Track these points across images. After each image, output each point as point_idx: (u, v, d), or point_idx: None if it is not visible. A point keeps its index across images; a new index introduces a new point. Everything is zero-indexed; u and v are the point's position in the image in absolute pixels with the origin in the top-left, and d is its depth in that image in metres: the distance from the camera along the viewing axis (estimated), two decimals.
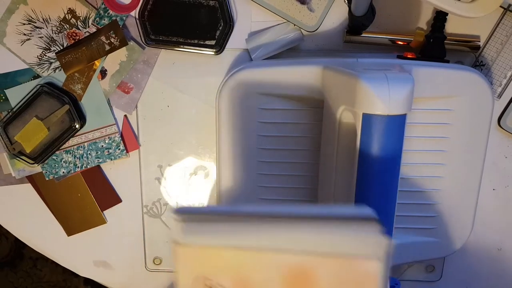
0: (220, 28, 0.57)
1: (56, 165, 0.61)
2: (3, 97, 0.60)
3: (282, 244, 0.29)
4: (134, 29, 0.58)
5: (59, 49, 0.58)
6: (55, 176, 0.62)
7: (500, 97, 0.58)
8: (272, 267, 0.29)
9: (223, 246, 0.29)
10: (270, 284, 0.30)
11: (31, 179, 0.63)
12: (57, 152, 0.61)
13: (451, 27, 0.57)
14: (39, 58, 0.59)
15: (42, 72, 0.59)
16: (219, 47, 0.57)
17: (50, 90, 0.58)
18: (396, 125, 0.41)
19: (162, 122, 0.61)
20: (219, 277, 0.30)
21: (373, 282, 0.28)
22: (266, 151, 0.54)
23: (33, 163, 0.60)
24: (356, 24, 0.54)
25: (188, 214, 0.31)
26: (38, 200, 0.64)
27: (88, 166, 0.62)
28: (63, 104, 0.59)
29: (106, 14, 0.57)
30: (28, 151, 0.60)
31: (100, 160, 0.62)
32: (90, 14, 0.57)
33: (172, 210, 0.31)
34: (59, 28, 0.58)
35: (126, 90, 0.60)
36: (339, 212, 0.30)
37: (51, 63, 0.59)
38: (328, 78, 0.49)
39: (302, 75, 0.50)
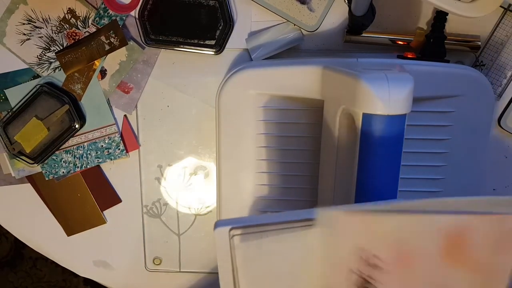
0: (220, 28, 0.57)
1: (56, 165, 0.61)
2: (3, 97, 0.60)
3: (441, 207, 0.30)
4: (134, 29, 0.58)
5: (59, 49, 0.58)
6: (55, 176, 0.62)
7: (500, 97, 0.58)
8: (430, 230, 0.30)
9: (385, 213, 0.30)
10: (428, 251, 0.30)
11: (31, 179, 0.63)
12: (57, 152, 0.61)
13: (451, 27, 0.57)
14: (39, 58, 0.59)
15: (42, 72, 0.59)
16: (219, 47, 0.57)
17: (50, 90, 0.58)
18: (396, 125, 0.41)
19: (162, 122, 0.61)
20: (376, 247, 0.31)
21: None
22: (266, 151, 0.54)
23: (33, 163, 0.60)
24: (356, 24, 0.54)
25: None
26: (38, 200, 0.64)
27: (88, 166, 0.62)
28: (63, 104, 0.59)
29: (106, 14, 0.57)
30: (28, 151, 0.60)
31: (100, 160, 0.61)
32: (90, 14, 0.57)
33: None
34: (59, 28, 0.58)
35: (126, 90, 0.60)
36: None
37: (51, 63, 0.59)
38: (328, 78, 0.48)
39: (302, 75, 0.50)
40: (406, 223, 0.30)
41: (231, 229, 0.32)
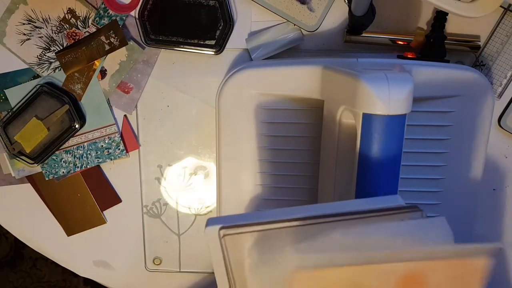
0: (220, 28, 0.57)
1: (56, 165, 0.61)
2: (3, 97, 0.60)
3: (396, 257, 0.29)
4: (134, 29, 0.58)
5: (59, 49, 0.58)
6: (55, 176, 0.62)
7: (500, 97, 0.58)
8: (386, 275, 0.29)
9: (338, 265, 0.29)
10: None
11: (31, 179, 0.63)
12: (57, 152, 0.61)
13: (451, 27, 0.57)
14: (39, 58, 0.59)
15: (42, 72, 0.59)
16: (219, 47, 0.57)
17: (50, 90, 0.58)
18: (396, 125, 0.41)
19: (162, 122, 0.61)
20: None
21: (479, 277, 0.29)
22: (266, 151, 0.54)
23: (33, 163, 0.60)
24: (356, 24, 0.54)
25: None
26: (38, 200, 0.64)
27: (88, 166, 0.62)
28: (63, 104, 0.59)
29: (106, 14, 0.57)
30: (28, 151, 0.60)
31: (100, 160, 0.62)
32: (90, 14, 0.57)
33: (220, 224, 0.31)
34: (59, 28, 0.58)
35: (126, 90, 0.60)
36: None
37: (51, 63, 0.59)
38: (328, 78, 0.48)
39: (302, 75, 0.50)
40: (359, 273, 0.30)
41: (221, 228, 0.31)
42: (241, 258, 0.32)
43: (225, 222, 0.31)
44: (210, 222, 0.32)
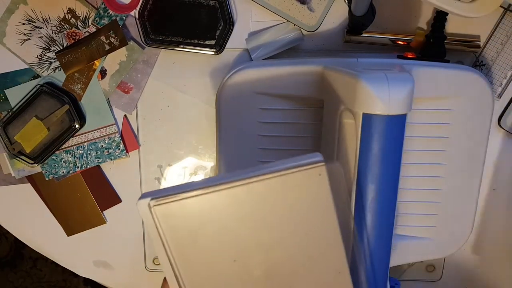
0: (220, 28, 0.57)
1: (56, 165, 0.61)
2: (3, 97, 0.60)
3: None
4: (134, 29, 0.58)
5: (59, 49, 0.58)
6: (55, 176, 0.62)
7: (500, 97, 0.58)
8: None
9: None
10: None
11: (31, 179, 0.63)
12: (57, 152, 0.61)
13: (451, 27, 0.57)
14: (39, 58, 0.59)
15: (42, 72, 0.59)
16: (219, 47, 0.57)
17: (50, 90, 0.58)
18: (396, 125, 0.41)
19: (162, 122, 0.61)
20: None
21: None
22: (266, 151, 0.54)
23: (33, 163, 0.60)
24: (356, 24, 0.54)
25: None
26: (38, 200, 0.64)
27: (88, 166, 0.62)
28: (63, 104, 0.59)
29: (106, 14, 0.57)
30: (28, 151, 0.60)
31: (100, 160, 0.62)
32: (90, 14, 0.57)
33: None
34: (59, 28, 0.58)
35: (126, 90, 0.60)
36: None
37: (51, 63, 0.59)
38: (328, 78, 0.48)
39: (302, 75, 0.50)
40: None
41: (151, 199, 0.34)
42: (172, 226, 0.35)
43: (154, 194, 0.34)
44: (143, 195, 0.34)
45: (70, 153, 0.61)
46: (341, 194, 0.36)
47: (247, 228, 0.35)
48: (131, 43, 0.58)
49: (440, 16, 0.54)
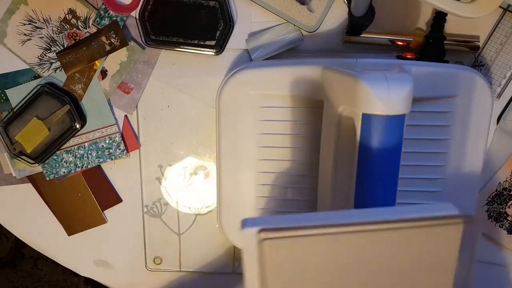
0: (220, 28, 0.57)
1: (57, 165, 0.62)
2: (4, 97, 0.60)
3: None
4: (134, 30, 0.58)
5: (60, 49, 0.59)
6: (56, 176, 0.62)
7: (500, 97, 0.59)
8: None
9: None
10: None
11: (32, 179, 0.63)
12: (57, 152, 0.61)
13: (450, 27, 0.57)
14: (39, 58, 0.59)
15: (43, 72, 0.59)
16: (219, 48, 0.57)
17: (50, 90, 0.58)
18: (396, 125, 0.41)
19: (162, 122, 0.61)
20: None
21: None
22: (266, 151, 0.54)
23: (33, 163, 0.60)
24: (355, 25, 0.54)
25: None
26: (38, 200, 0.64)
27: (89, 166, 0.62)
28: (64, 104, 0.59)
29: (106, 14, 0.57)
30: (28, 151, 0.60)
31: (101, 160, 0.62)
32: (90, 15, 0.58)
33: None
34: (59, 28, 0.58)
35: (126, 90, 0.60)
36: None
37: (51, 63, 0.59)
38: (328, 78, 0.49)
39: (302, 75, 0.50)
40: None
41: (261, 231, 0.29)
42: (279, 263, 0.30)
43: (261, 224, 0.29)
44: (247, 223, 0.29)
45: (70, 153, 0.61)
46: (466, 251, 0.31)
47: (357, 276, 0.31)
48: (132, 43, 0.58)
49: (440, 17, 0.54)
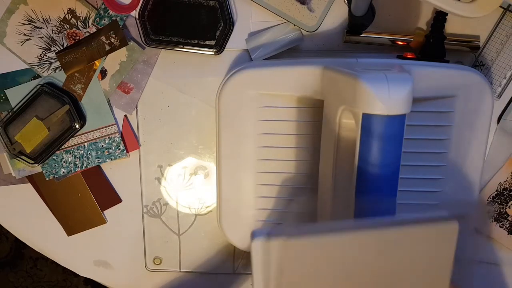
0: (220, 28, 0.57)
1: (56, 165, 0.62)
2: (3, 97, 0.60)
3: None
4: (134, 29, 0.58)
5: (59, 49, 0.59)
6: (55, 176, 0.62)
7: (500, 97, 0.58)
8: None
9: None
10: None
11: (31, 179, 0.63)
12: (57, 152, 0.61)
13: (451, 27, 0.57)
14: (39, 58, 0.59)
15: (42, 72, 0.59)
16: (219, 47, 0.57)
17: (50, 90, 0.58)
18: (396, 125, 0.41)
19: (162, 122, 0.61)
20: None
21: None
22: (266, 151, 0.54)
23: (33, 163, 0.60)
24: (356, 24, 0.54)
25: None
26: (38, 200, 0.64)
27: (88, 166, 0.62)
28: (63, 104, 0.59)
29: (106, 14, 0.57)
30: (28, 151, 0.60)
31: (100, 160, 0.62)
32: (90, 14, 0.58)
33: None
34: (59, 28, 0.58)
35: (126, 90, 0.60)
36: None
37: (51, 63, 0.59)
38: (328, 78, 0.49)
39: (302, 75, 0.50)
40: None
41: (269, 240, 0.31)
42: (287, 271, 0.32)
43: (272, 233, 0.31)
44: (257, 234, 0.31)
45: (70, 153, 0.61)
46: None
47: (360, 276, 0.33)
48: (131, 43, 0.58)
49: (440, 17, 0.54)
